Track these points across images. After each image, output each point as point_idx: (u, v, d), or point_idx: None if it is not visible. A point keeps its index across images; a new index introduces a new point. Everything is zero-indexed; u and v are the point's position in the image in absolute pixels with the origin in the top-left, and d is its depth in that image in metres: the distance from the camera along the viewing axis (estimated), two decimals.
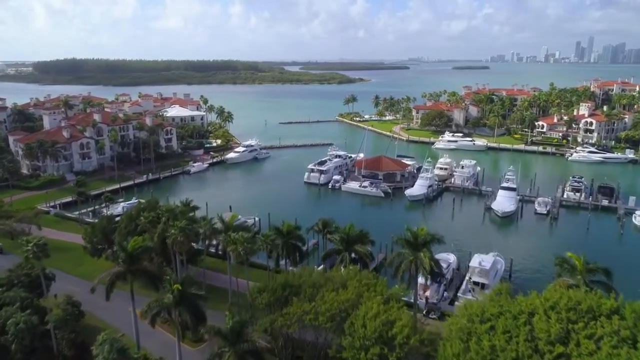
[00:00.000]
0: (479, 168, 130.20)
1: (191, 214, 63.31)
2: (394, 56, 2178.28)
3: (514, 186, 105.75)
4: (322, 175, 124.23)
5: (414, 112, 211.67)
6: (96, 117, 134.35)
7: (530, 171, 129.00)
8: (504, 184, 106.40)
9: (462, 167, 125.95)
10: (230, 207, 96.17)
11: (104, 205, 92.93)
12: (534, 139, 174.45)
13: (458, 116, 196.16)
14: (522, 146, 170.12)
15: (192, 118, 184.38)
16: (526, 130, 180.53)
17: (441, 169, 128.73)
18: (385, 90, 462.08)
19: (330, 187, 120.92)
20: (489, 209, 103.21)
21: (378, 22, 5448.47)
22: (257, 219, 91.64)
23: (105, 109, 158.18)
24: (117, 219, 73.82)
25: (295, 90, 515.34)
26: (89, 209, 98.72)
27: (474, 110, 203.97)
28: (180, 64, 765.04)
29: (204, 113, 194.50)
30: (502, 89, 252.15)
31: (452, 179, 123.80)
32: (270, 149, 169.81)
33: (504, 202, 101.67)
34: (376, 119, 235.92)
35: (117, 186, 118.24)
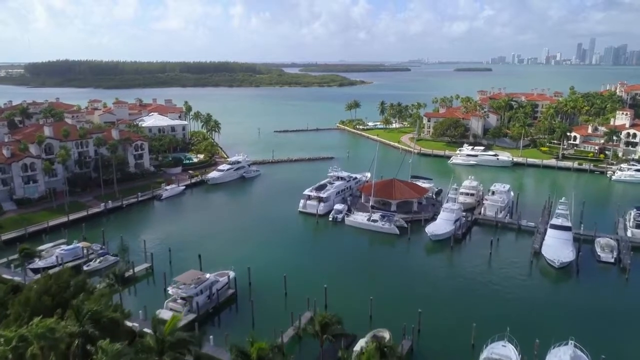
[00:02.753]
0: (512, 193, 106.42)
1: (112, 306, 39.32)
2: (394, 58, 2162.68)
3: (569, 224, 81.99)
4: (321, 204, 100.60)
5: (425, 120, 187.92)
6: (47, 130, 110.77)
7: (570, 194, 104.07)
8: (556, 221, 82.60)
9: (493, 193, 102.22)
10: (200, 258, 72.72)
11: (17, 258, 68.72)
12: (565, 152, 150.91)
13: (476, 125, 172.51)
14: (553, 161, 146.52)
15: (173, 128, 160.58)
16: (556, 142, 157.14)
17: (467, 194, 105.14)
18: (388, 93, 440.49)
19: (331, 219, 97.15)
20: (537, 253, 79.56)
21: (379, 23, 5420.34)
22: (231, 275, 68.02)
23: (66, 119, 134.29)
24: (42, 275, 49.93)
25: (293, 93, 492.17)
26: (12, 257, 74.98)
27: (492, 119, 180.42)
28: (176, 66, 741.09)
29: (186, 122, 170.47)
30: (520, 94, 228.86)
31: (482, 209, 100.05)
32: (261, 165, 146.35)
33: (558, 246, 77.93)
34: (382, 127, 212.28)
35: (65, 219, 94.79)
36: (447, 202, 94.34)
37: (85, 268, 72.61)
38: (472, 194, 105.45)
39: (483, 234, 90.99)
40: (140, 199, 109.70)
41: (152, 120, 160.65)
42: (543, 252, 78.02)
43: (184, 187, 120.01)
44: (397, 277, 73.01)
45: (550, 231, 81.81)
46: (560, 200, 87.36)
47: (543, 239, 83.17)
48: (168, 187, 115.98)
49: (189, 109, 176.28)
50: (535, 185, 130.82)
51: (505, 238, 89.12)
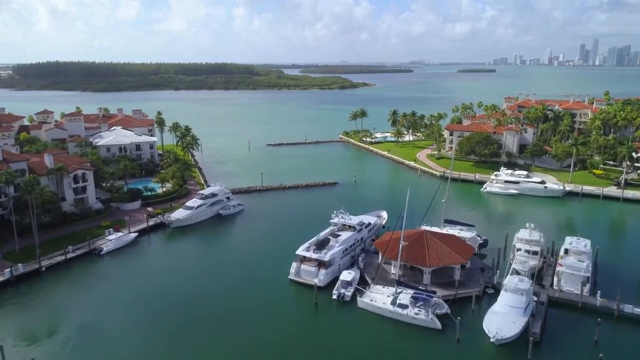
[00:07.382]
0: (591, 250, 74.91)
1: None
2: (395, 59, 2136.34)
3: None
4: (322, 271, 69.65)
5: (446, 134, 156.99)
6: None
7: None
8: None
9: (567, 252, 71.35)
10: None
11: None
12: (627, 177, 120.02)
13: (511, 142, 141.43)
14: (615, 190, 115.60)
15: (138, 146, 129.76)
16: (612, 163, 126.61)
17: (527, 253, 73.97)
18: (394, 96, 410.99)
19: (335, 297, 65.93)
20: None
21: (381, 24, 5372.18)
22: None
23: None
24: None
25: (292, 97, 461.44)
26: None
27: (528, 132, 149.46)
28: (170, 68, 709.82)
29: (155, 139, 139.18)
30: (554, 101, 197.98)
31: (557, 280, 68.81)
32: (245, 195, 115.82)
33: None
34: (392, 139, 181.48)
35: None
36: (510, 274, 63.39)
37: None
38: (535, 252, 74.27)
39: (568, 329, 59.85)
40: (70, 255, 78.74)
41: (112, 137, 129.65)
42: None
43: (137, 233, 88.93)
44: None
45: None
46: None
47: None
48: (112, 236, 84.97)
49: (160, 121, 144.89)
50: (607, 230, 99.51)
51: (604, 335, 57.75)
